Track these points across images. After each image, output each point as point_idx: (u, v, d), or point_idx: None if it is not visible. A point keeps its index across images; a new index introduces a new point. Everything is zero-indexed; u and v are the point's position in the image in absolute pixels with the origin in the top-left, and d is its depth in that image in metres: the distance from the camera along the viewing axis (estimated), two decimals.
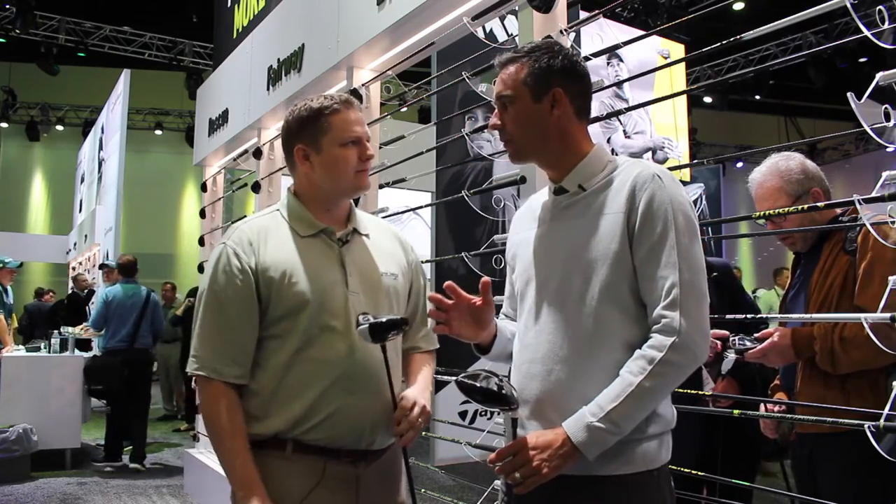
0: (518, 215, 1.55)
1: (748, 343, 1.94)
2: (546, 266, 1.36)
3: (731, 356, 2.00)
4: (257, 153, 4.18)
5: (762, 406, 2.09)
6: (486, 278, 1.41)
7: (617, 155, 1.44)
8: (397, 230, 1.76)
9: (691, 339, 1.21)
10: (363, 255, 1.57)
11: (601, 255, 1.28)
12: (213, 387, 1.43)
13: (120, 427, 5.56)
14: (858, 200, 1.50)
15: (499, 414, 2.23)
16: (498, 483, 2.01)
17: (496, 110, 1.39)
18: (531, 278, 1.39)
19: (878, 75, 1.46)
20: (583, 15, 2.65)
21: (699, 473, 1.97)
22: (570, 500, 1.27)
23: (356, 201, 2.85)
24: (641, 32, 2.73)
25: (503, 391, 1.24)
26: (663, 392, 1.25)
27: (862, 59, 10.61)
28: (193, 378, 1.47)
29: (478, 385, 1.24)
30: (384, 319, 1.40)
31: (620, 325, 1.27)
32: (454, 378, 1.29)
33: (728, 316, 1.96)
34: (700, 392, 2.22)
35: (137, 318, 5.61)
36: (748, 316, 1.90)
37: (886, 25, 1.46)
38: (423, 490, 3.33)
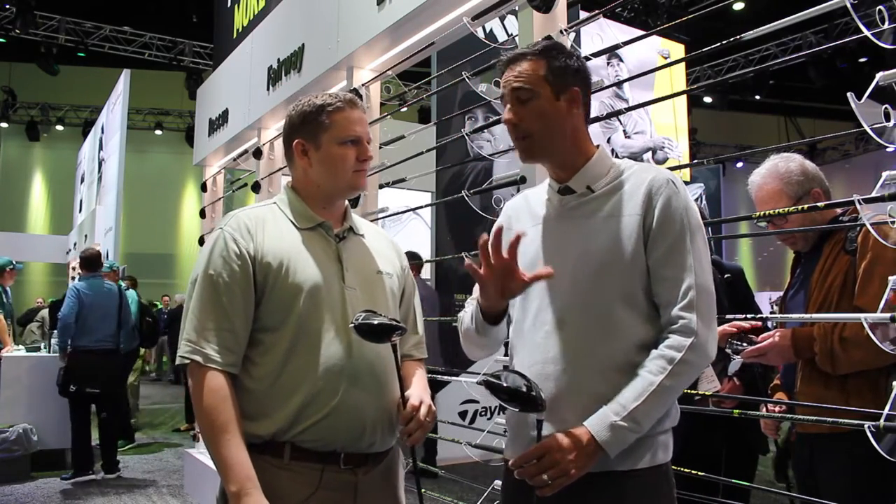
0: (513, 207, 1.52)
1: (745, 344, 1.94)
2: (556, 266, 1.36)
3: (738, 357, 1.99)
4: (257, 153, 4.18)
5: (762, 406, 2.09)
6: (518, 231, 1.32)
7: (617, 155, 1.44)
8: (389, 235, 1.76)
9: (706, 339, 1.26)
10: (360, 253, 1.57)
11: (616, 256, 1.30)
12: (206, 374, 1.37)
13: (86, 434, 5.22)
14: (858, 200, 1.50)
15: (500, 413, 2.22)
16: (498, 483, 2.00)
17: (509, 105, 1.38)
18: None
19: (878, 75, 1.46)
20: (583, 15, 2.65)
21: (698, 473, 1.97)
22: (588, 496, 1.27)
23: (355, 202, 2.88)
24: (641, 32, 2.73)
25: (532, 392, 1.22)
26: (680, 390, 1.28)
27: (862, 59, 10.63)
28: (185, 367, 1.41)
29: (505, 385, 1.22)
30: (376, 322, 1.37)
31: (634, 324, 1.29)
32: (479, 377, 1.26)
33: (728, 316, 1.96)
34: (700, 392, 2.22)
35: (116, 315, 5.34)
36: (748, 316, 1.90)
37: (886, 25, 1.46)
38: (423, 490, 3.33)
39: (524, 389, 1.22)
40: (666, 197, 1.29)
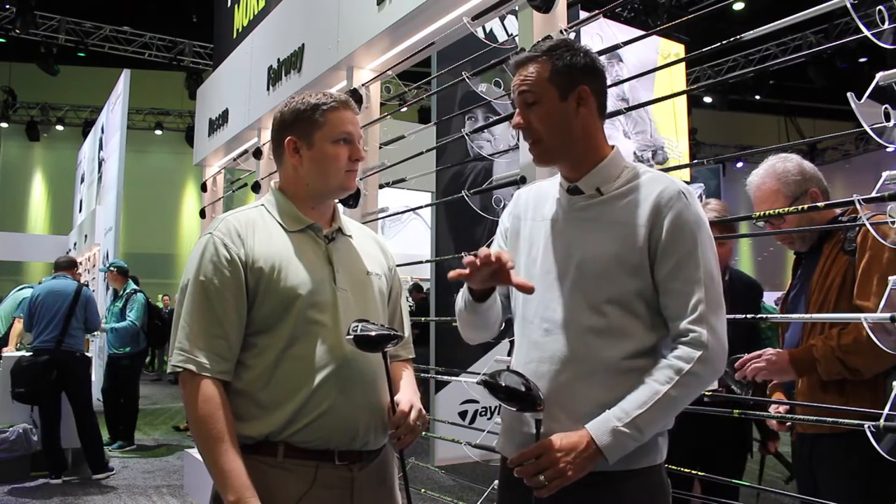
0: (525, 198, 1.51)
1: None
2: (558, 266, 1.35)
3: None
4: (257, 153, 4.18)
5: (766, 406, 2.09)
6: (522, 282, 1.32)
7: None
8: (377, 235, 1.75)
9: (716, 353, 1.26)
10: (350, 254, 1.56)
11: (618, 263, 1.29)
12: (199, 383, 1.36)
13: (48, 436, 5.08)
14: (858, 200, 1.50)
15: (500, 413, 2.22)
16: (498, 483, 2.00)
17: (518, 109, 1.37)
18: (537, 277, 1.39)
19: (878, 75, 1.46)
20: (583, 15, 2.65)
21: (698, 473, 1.97)
22: (587, 495, 1.28)
23: (356, 202, 2.88)
24: (641, 32, 2.73)
25: (530, 391, 1.22)
26: (685, 402, 1.28)
27: (862, 59, 10.63)
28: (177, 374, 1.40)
29: (503, 384, 1.23)
30: (374, 333, 1.37)
31: (632, 331, 1.29)
32: (479, 377, 1.27)
33: (728, 316, 1.95)
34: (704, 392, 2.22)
35: (65, 315, 5.13)
36: (747, 315, 1.89)
37: (886, 25, 1.46)
38: (423, 490, 3.34)
39: (522, 389, 1.22)
40: (677, 211, 1.28)
